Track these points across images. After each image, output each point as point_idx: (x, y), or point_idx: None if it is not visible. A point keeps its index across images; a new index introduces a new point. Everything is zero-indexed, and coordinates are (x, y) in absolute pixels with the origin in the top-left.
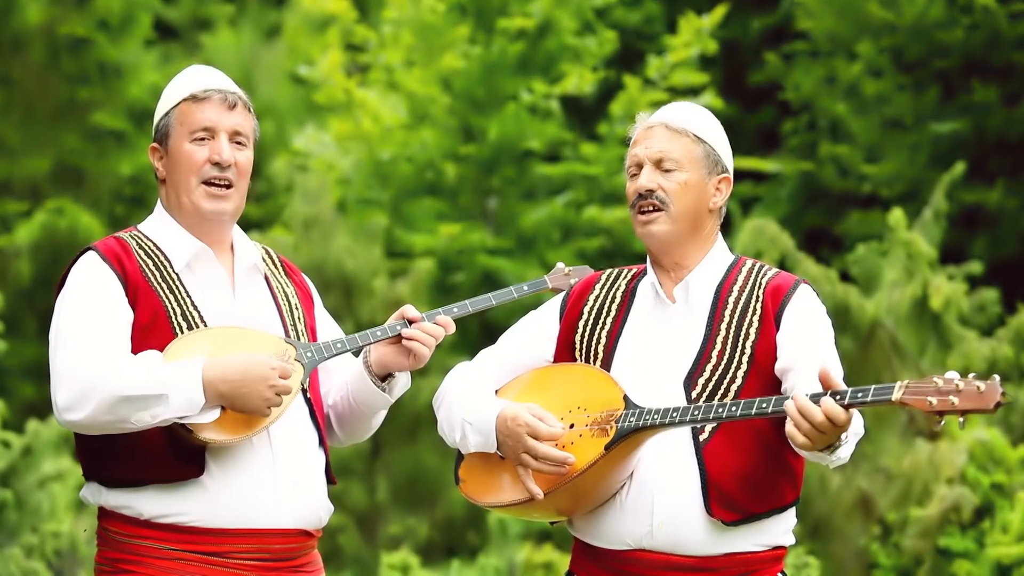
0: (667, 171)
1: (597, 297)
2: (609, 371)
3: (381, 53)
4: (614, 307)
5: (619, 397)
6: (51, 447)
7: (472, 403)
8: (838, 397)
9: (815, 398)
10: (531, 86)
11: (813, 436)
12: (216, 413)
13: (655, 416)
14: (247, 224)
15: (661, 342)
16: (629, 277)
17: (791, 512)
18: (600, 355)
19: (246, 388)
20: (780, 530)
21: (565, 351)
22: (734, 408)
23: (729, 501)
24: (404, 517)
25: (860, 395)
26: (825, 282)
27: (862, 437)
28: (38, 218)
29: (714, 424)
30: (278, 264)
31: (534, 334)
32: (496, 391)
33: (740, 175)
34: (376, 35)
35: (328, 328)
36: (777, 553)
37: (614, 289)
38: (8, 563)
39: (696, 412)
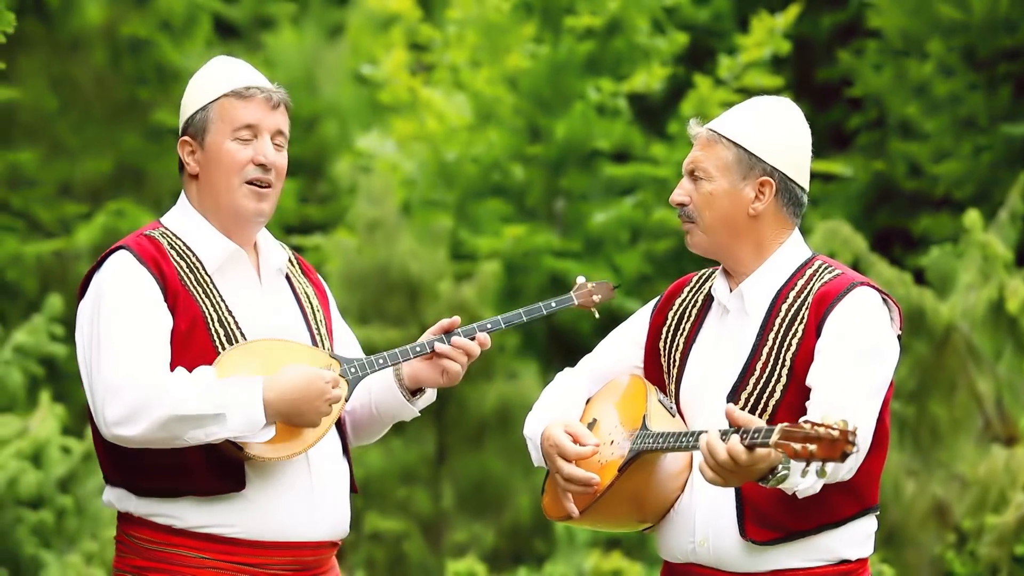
0: (697, 180)
1: (683, 301)
2: (681, 381)
3: (446, 53)
4: (694, 312)
5: (641, 416)
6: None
7: (535, 418)
8: (744, 436)
9: (724, 434)
10: (599, 85)
11: (719, 472)
12: (271, 432)
13: (648, 441)
14: (311, 226)
15: (719, 352)
16: (713, 279)
17: (857, 524)
18: (676, 363)
19: (304, 405)
20: (841, 544)
21: (652, 358)
22: (672, 439)
23: (766, 520)
24: (470, 524)
25: (756, 435)
26: (899, 285)
27: (936, 444)
28: (98, 220)
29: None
30: (296, 265)
31: (625, 341)
32: (589, 399)
33: (811, 176)
34: (441, 34)
35: (342, 332)
36: (843, 568)
37: (699, 293)
38: (68, 570)
39: (663, 440)
